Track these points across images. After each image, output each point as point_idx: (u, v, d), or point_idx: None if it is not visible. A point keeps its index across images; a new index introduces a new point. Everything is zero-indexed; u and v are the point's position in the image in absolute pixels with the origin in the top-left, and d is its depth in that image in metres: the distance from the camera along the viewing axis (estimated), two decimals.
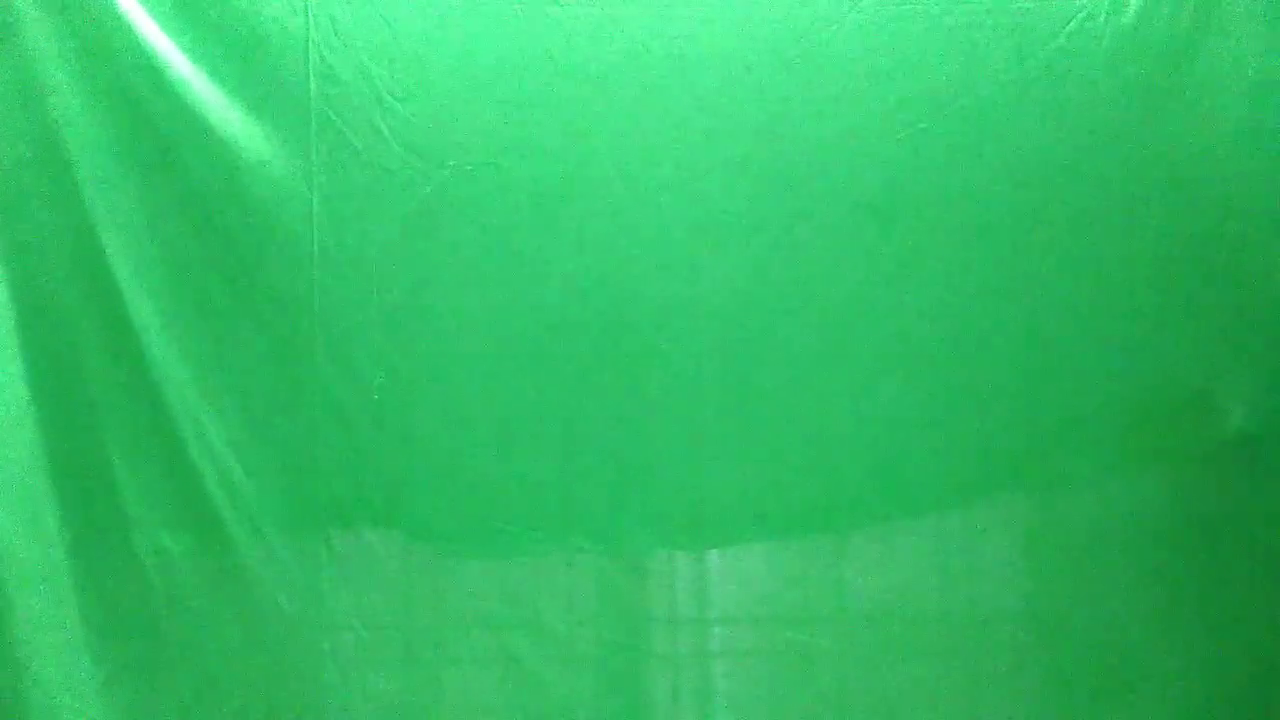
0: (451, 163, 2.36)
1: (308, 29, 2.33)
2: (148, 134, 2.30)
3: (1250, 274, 2.43)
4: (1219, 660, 2.41)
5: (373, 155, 2.35)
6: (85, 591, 2.27)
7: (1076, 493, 2.42)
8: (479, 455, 2.37)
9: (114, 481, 2.30)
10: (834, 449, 2.41)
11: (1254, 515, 2.43)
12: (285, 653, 2.32)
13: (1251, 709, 2.41)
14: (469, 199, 2.36)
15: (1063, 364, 2.42)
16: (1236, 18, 2.43)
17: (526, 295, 2.37)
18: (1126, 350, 2.42)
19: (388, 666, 2.35)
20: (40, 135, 2.28)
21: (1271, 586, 2.42)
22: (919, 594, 2.42)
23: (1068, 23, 2.40)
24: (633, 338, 2.39)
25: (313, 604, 2.33)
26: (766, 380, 2.40)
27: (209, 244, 2.33)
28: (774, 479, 2.40)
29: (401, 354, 2.36)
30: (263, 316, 2.34)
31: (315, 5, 2.33)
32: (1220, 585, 2.42)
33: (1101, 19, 2.40)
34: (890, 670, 2.40)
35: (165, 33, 2.30)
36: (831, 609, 2.41)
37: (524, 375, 2.38)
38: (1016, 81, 2.40)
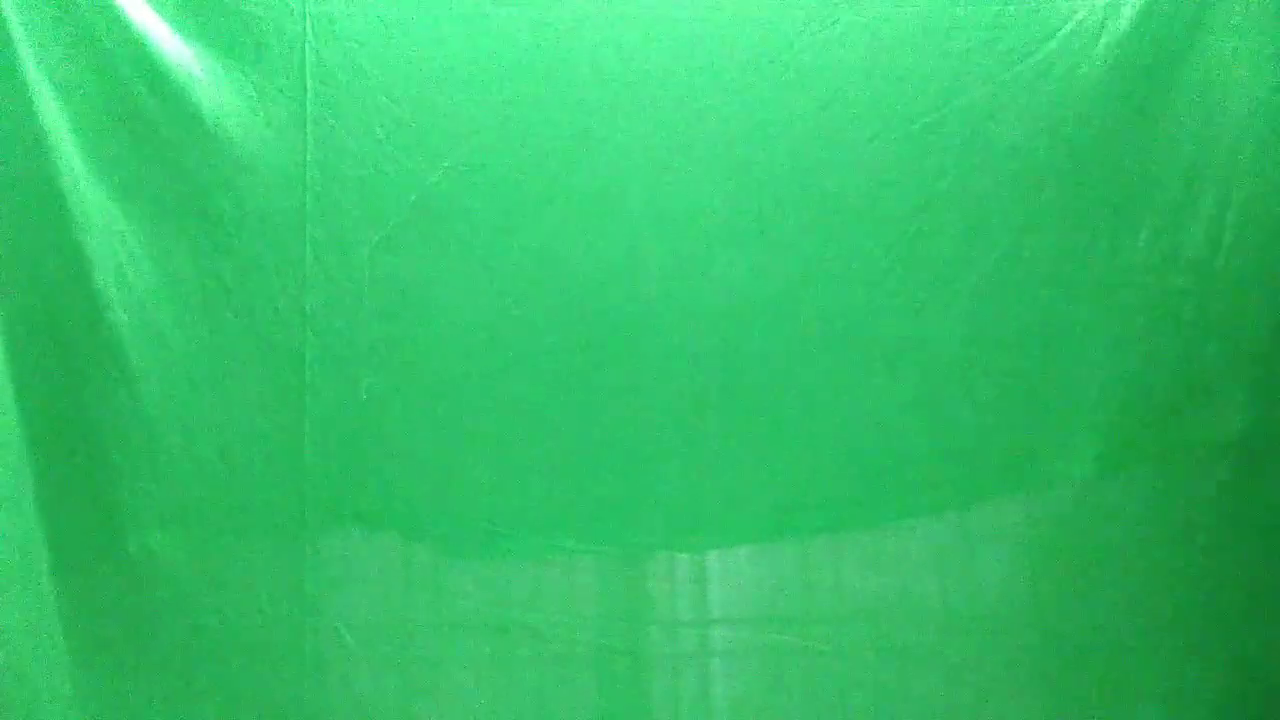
0: (446, 163, 2.35)
1: (304, 29, 2.33)
2: (141, 132, 2.29)
3: (1248, 274, 2.41)
4: (1217, 662, 2.38)
5: (367, 155, 2.34)
6: (68, 592, 2.24)
7: (1073, 494, 2.40)
8: (474, 456, 2.34)
9: (100, 482, 2.27)
10: (832, 451, 2.39)
11: (1252, 516, 2.41)
12: (270, 655, 2.27)
13: (1252, 711, 2.37)
14: (463, 199, 2.35)
15: (1059, 365, 2.40)
16: (1233, 21, 2.43)
17: (521, 296, 2.36)
18: (1123, 351, 2.41)
19: (374, 670, 2.31)
20: (29, 133, 2.25)
21: (1270, 588, 2.39)
22: (917, 595, 2.38)
23: (1064, 24, 2.40)
24: (628, 338, 2.37)
25: (299, 606, 2.29)
26: (763, 382, 2.38)
27: (200, 243, 2.31)
28: (773, 480, 2.38)
29: (394, 354, 2.34)
30: (254, 316, 2.32)
31: (312, 5, 2.33)
32: (1219, 586, 2.40)
33: (1098, 21, 2.41)
34: (888, 672, 2.36)
35: (161, 31, 2.30)
36: (831, 611, 2.38)
37: (518, 376, 2.35)
38: (1012, 83, 2.40)
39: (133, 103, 2.29)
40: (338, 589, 2.30)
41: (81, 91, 2.28)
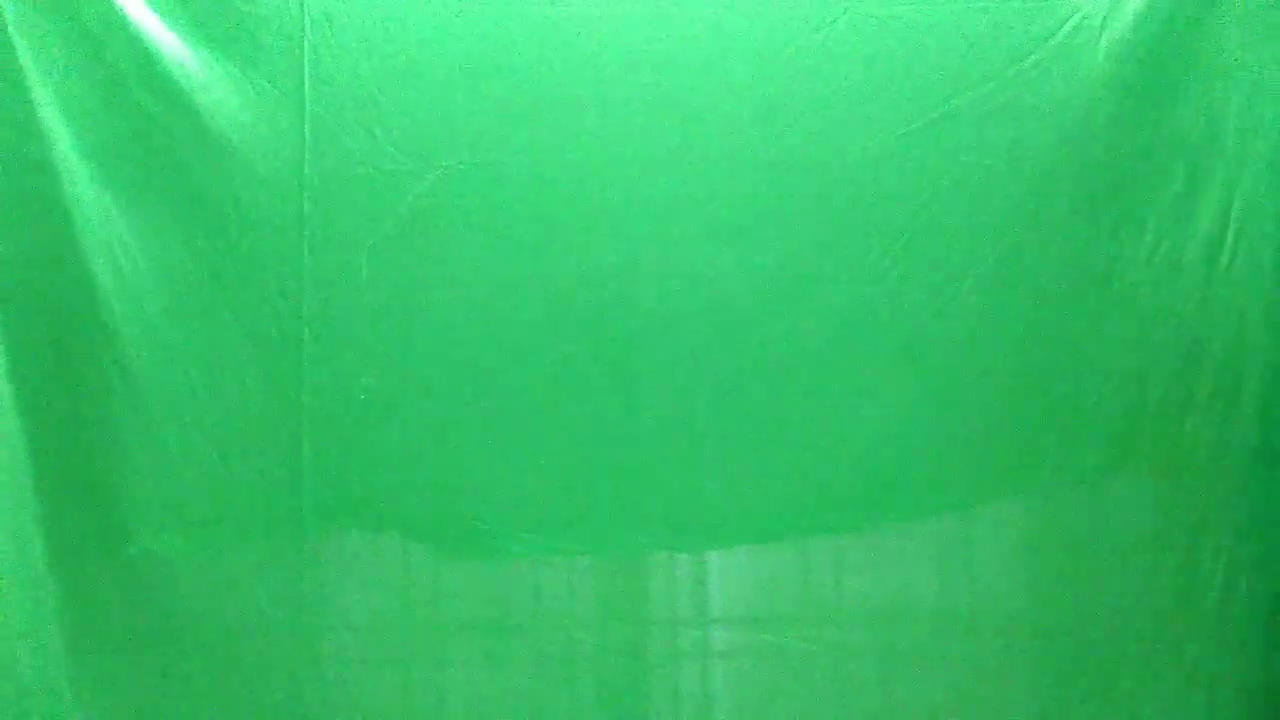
0: (444, 163, 2.35)
1: (303, 29, 2.33)
2: (138, 131, 2.29)
3: (1252, 272, 2.40)
4: (1220, 665, 2.37)
5: (365, 155, 2.34)
6: (66, 595, 2.25)
7: (1076, 495, 2.39)
8: (472, 456, 2.34)
9: (99, 482, 2.27)
10: (832, 452, 2.38)
11: (1257, 518, 2.39)
12: (270, 655, 2.28)
13: (1254, 714, 2.36)
14: (461, 200, 2.35)
15: (1061, 365, 2.39)
16: (1235, 18, 2.42)
17: (519, 296, 2.35)
18: (1126, 351, 2.39)
19: (374, 670, 2.31)
20: (28, 133, 2.26)
21: (1270, 592, 2.38)
22: (917, 597, 2.38)
23: (1065, 21, 2.39)
24: (628, 339, 2.37)
25: (299, 606, 2.29)
26: (763, 381, 2.37)
27: (199, 243, 2.32)
28: (772, 481, 2.37)
29: (392, 354, 2.34)
30: (251, 317, 2.32)
31: (312, 5, 2.33)
32: (1223, 589, 2.38)
33: (1100, 19, 2.40)
34: (888, 672, 2.36)
35: (160, 31, 2.30)
36: (829, 612, 2.38)
37: (517, 376, 2.35)
38: (1014, 82, 2.39)
39: (132, 103, 2.29)
40: (337, 589, 2.31)
41: (81, 92, 2.28)
